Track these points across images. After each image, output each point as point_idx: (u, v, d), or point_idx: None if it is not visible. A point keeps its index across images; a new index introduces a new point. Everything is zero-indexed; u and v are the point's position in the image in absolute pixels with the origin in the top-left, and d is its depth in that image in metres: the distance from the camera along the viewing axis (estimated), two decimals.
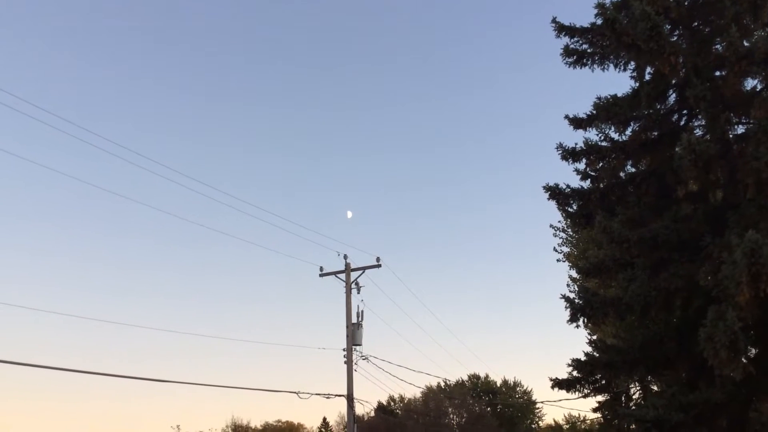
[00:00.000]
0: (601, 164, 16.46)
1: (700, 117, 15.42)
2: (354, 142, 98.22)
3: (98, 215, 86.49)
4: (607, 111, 16.17)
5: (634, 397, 26.34)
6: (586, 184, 17.07)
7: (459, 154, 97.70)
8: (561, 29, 16.91)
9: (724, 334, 11.80)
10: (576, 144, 16.48)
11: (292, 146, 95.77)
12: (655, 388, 24.08)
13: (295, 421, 61.01)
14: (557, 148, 16.65)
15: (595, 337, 26.21)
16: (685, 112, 16.07)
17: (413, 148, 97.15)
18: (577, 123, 16.54)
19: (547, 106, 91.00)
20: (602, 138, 16.75)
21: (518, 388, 62.41)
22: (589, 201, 16.62)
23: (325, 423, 61.92)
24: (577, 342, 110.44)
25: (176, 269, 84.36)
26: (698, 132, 15.11)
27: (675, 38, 15.65)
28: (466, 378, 60.38)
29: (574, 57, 16.94)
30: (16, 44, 75.73)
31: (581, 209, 16.86)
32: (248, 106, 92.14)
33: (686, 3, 15.68)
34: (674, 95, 16.22)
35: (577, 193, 16.77)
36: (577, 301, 15.72)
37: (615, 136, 16.67)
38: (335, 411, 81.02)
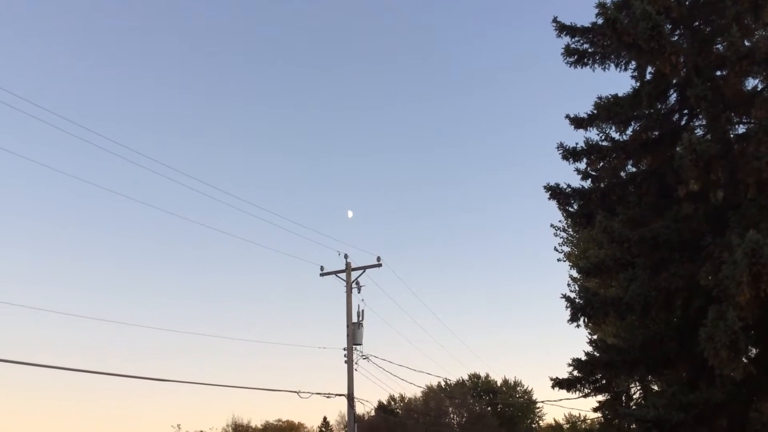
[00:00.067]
0: (601, 164, 16.47)
1: (700, 117, 15.42)
2: (354, 142, 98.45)
3: (99, 214, 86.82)
4: (607, 110, 16.18)
5: (634, 396, 26.29)
6: (587, 183, 17.10)
7: (459, 154, 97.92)
8: (562, 29, 16.95)
9: (725, 333, 11.80)
10: (577, 144, 16.50)
11: (292, 146, 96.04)
12: (655, 387, 24.06)
13: (296, 421, 61.17)
14: (558, 147, 16.66)
15: (595, 337, 26.21)
16: (686, 111, 16.07)
17: (413, 148, 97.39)
18: (577, 123, 16.55)
19: (547, 106, 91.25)
20: (603, 138, 16.78)
21: (519, 388, 62.51)
22: (589, 201, 16.62)
23: (325, 422, 62.02)
24: (578, 342, 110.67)
25: (177, 268, 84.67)
26: (699, 132, 15.11)
27: (676, 38, 15.66)
28: (466, 377, 60.55)
29: (575, 57, 16.97)
30: (16, 44, 75.85)
31: (582, 209, 16.87)
32: (248, 106, 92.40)
33: (687, 3, 15.69)
34: (675, 95, 16.23)
35: (577, 193, 16.77)
36: (577, 300, 15.71)
37: (616, 135, 16.71)
38: (336, 410, 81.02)
